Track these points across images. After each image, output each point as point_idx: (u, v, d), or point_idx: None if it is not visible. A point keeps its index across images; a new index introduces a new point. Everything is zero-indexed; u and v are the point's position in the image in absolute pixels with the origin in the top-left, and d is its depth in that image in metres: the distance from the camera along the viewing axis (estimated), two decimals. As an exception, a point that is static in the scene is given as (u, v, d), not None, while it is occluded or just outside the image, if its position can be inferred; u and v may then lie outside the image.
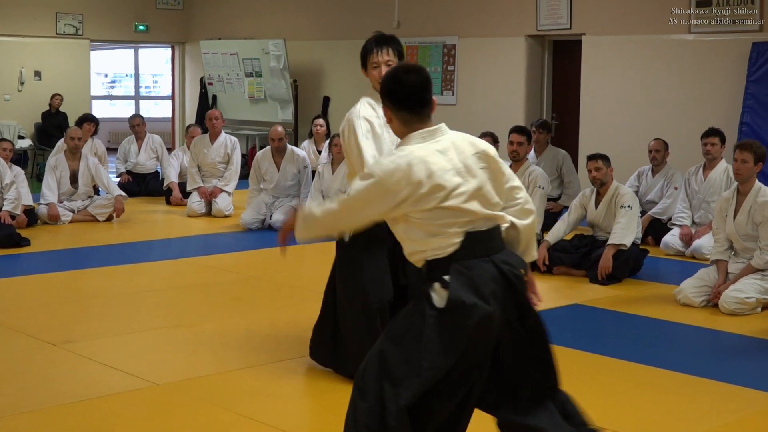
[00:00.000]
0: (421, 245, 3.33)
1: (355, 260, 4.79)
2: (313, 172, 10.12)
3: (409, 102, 3.37)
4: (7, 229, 8.86)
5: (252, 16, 16.06)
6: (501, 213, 3.42)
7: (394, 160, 3.31)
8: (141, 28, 17.00)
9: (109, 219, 10.28)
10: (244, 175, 11.57)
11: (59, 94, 15.29)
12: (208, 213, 10.78)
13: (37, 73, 15.78)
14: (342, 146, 4.85)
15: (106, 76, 20.97)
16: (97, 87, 19.96)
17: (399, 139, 3.45)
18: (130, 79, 20.94)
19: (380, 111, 4.34)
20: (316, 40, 14.93)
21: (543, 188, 8.07)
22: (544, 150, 10.25)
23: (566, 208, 9.03)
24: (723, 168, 8.62)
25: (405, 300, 4.21)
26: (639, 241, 7.75)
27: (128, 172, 12.43)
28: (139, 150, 12.48)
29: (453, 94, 12.95)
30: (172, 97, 18.21)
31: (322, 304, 5.13)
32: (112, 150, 13.96)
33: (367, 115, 4.68)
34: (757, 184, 6.73)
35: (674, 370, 5.25)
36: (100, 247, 8.99)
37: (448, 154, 3.33)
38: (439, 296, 3.24)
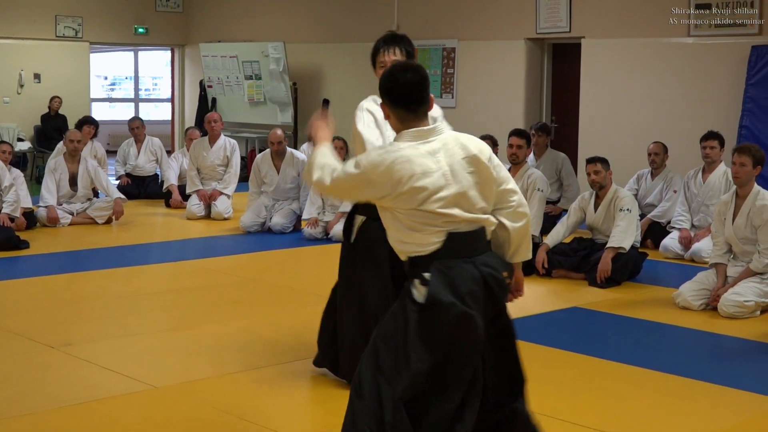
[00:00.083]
0: (403, 237, 3.42)
1: (356, 263, 4.78)
2: (313, 175, 10.11)
3: (406, 100, 3.43)
4: (6, 231, 8.86)
5: (251, 18, 16.07)
6: (485, 216, 3.46)
7: (382, 154, 3.40)
8: (140, 30, 17.00)
9: (108, 222, 10.28)
10: (243, 178, 11.57)
11: (58, 97, 15.30)
12: (208, 216, 10.78)
13: (37, 76, 15.78)
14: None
15: (105, 78, 20.98)
16: (97, 89, 19.97)
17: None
18: (129, 81, 20.95)
19: (387, 132, 4.38)
20: (316, 43, 14.94)
21: (542, 191, 8.07)
22: (544, 153, 10.25)
23: (565, 211, 9.03)
24: (722, 171, 8.63)
25: None
26: (638, 244, 7.75)
27: (127, 175, 12.43)
28: (139, 153, 12.48)
29: (452, 97, 12.95)
30: (172, 100, 18.21)
31: (327, 303, 5.10)
32: (111, 153, 13.96)
33: (370, 109, 4.73)
34: (756, 187, 6.72)
35: (673, 374, 5.25)
36: (99, 249, 8.99)
37: (437, 156, 3.39)
38: (419, 293, 3.34)
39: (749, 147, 6.86)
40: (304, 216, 9.66)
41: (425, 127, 3.44)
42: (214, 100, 16.16)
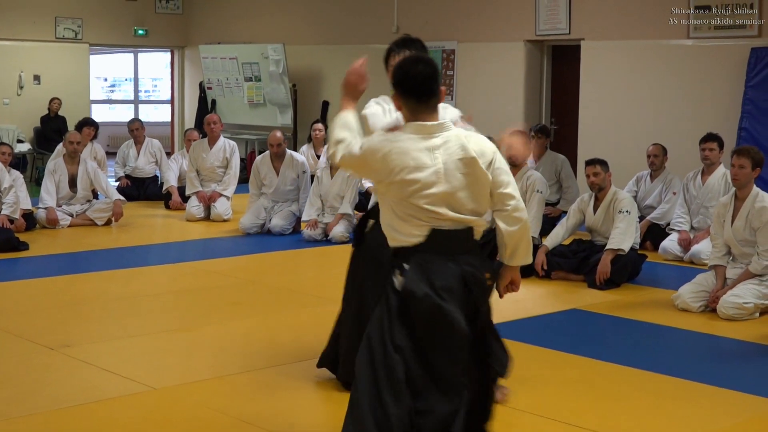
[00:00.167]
0: (393, 223, 3.53)
1: (362, 263, 4.80)
2: (312, 177, 10.13)
3: (417, 92, 3.50)
4: (6, 233, 8.86)
5: (251, 20, 16.07)
6: (473, 217, 3.52)
7: (382, 141, 3.51)
8: (140, 32, 17.01)
9: (108, 223, 10.28)
10: (243, 180, 11.57)
11: (58, 98, 15.30)
12: (207, 217, 10.78)
13: (37, 77, 15.79)
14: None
15: (105, 80, 20.98)
16: (97, 91, 19.98)
17: None
18: (129, 83, 20.96)
19: (388, 106, 4.41)
20: (316, 45, 14.94)
21: (541, 192, 8.07)
22: (543, 155, 10.26)
23: (565, 212, 9.03)
24: (721, 173, 8.63)
25: None
26: (637, 246, 7.75)
27: (127, 177, 12.43)
28: (138, 154, 12.48)
29: (452, 99, 12.95)
30: (172, 102, 18.22)
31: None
32: (111, 154, 13.96)
33: (378, 101, 4.79)
34: (755, 189, 6.73)
35: (672, 375, 5.25)
36: (99, 251, 8.99)
37: (435, 153, 3.46)
38: (398, 282, 3.46)
39: (748, 149, 6.87)
40: (304, 218, 9.67)
41: (430, 123, 3.51)
42: (213, 101, 16.16)
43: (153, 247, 9.38)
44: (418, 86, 3.51)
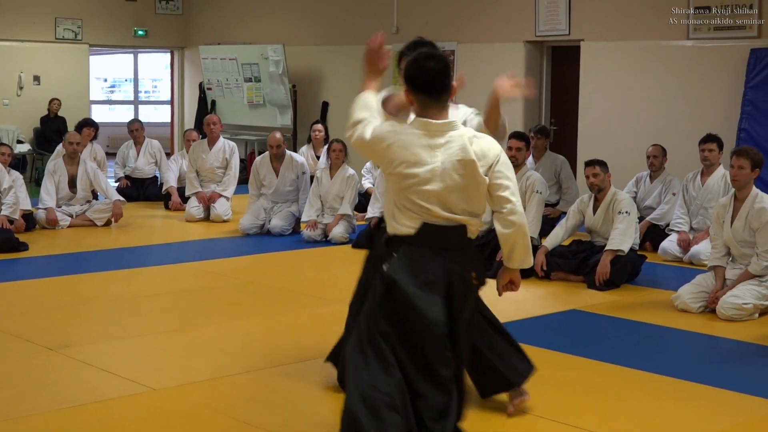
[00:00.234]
0: (391, 208, 3.65)
1: (368, 266, 4.82)
2: (312, 178, 10.13)
3: (428, 87, 3.57)
4: (6, 233, 8.86)
5: (251, 21, 16.08)
6: (466, 217, 3.58)
7: (389, 131, 3.61)
8: (140, 33, 17.01)
9: (108, 224, 10.28)
10: (242, 180, 11.57)
11: (58, 99, 15.30)
12: (207, 218, 10.78)
13: (37, 78, 15.79)
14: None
15: (105, 80, 20.98)
16: (97, 92, 19.98)
17: None
18: (129, 84, 20.96)
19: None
20: (315, 46, 14.95)
21: (540, 193, 8.08)
22: (543, 156, 10.26)
23: (564, 213, 9.04)
24: (721, 174, 8.63)
25: None
26: (637, 247, 7.75)
27: (127, 177, 12.44)
28: (138, 155, 12.49)
29: (452, 99, 12.96)
30: (171, 102, 18.22)
31: None
32: (111, 155, 13.96)
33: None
34: (754, 190, 6.73)
35: (672, 376, 5.25)
36: (98, 251, 8.99)
37: (435, 152, 3.53)
38: (385, 269, 3.59)
39: (747, 150, 6.87)
40: (303, 218, 9.67)
41: (437, 121, 3.57)
42: (213, 102, 16.17)
43: (152, 248, 9.38)
44: (430, 82, 3.55)
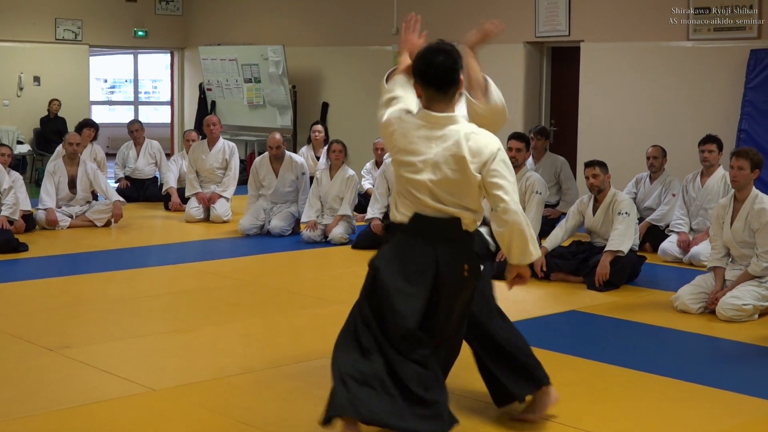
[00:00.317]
0: (394, 194, 3.78)
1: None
2: (312, 178, 10.13)
3: (436, 81, 3.66)
4: (5, 234, 8.86)
5: (251, 21, 16.08)
6: (457, 210, 3.65)
7: (396, 118, 3.72)
8: (140, 33, 17.02)
9: (108, 224, 10.28)
10: (242, 181, 11.58)
11: (57, 100, 15.31)
12: (207, 219, 10.78)
13: (36, 79, 15.79)
14: None
15: (105, 81, 20.99)
16: (97, 92, 19.98)
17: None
18: (129, 84, 20.96)
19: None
20: (315, 46, 14.95)
21: (540, 194, 8.08)
22: (543, 156, 10.26)
23: (564, 214, 9.04)
24: (720, 175, 8.63)
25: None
26: (637, 248, 7.75)
27: (127, 178, 12.44)
28: (138, 156, 12.49)
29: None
30: (171, 103, 18.22)
31: None
32: (111, 155, 13.96)
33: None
34: (754, 191, 6.73)
35: (671, 377, 5.25)
36: (98, 252, 8.99)
37: (432, 144, 3.60)
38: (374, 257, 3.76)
39: (747, 151, 6.87)
40: (303, 219, 9.67)
41: (438, 114, 3.61)
42: (213, 103, 16.17)
43: (152, 249, 9.38)
44: (439, 77, 3.63)
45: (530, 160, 9.82)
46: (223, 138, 11.31)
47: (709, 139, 8.73)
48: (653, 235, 9.01)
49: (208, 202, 10.79)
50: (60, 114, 15.31)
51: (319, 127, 12.28)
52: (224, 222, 10.65)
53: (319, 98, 14.85)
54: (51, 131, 15.01)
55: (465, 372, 4.56)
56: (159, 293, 7.46)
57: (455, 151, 3.58)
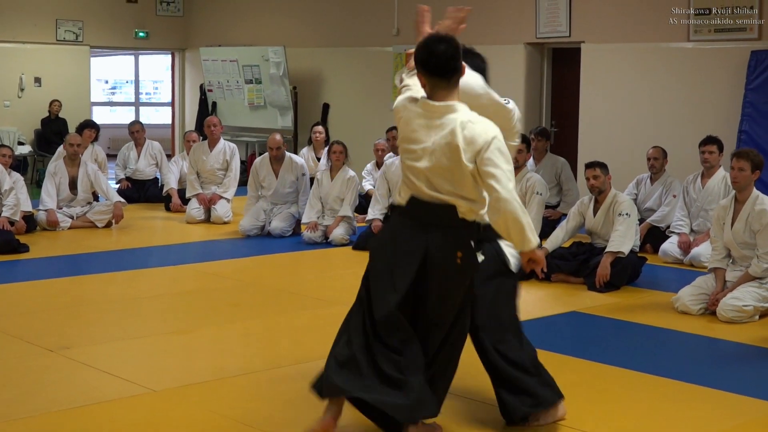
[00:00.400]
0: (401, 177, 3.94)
1: None
2: (312, 179, 10.13)
3: (438, 69, 3.72)
4: (6, 235, 8.87)
5: (252, 22, 16.08)
6: (452, 198, 3.72)
7: (403, 106, 3.84)
8: (141, 34, 17.02)
9: (108, 225, 10.28)
10: (243, 182, 11.58)
11: (58, 101, 15.31)
12: (207, 220, 10.79)
13: (37, 80, 15.80)
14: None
15: (106, 82, 20.99)
16: (98, 93, 19.98)
17: None
18: (130, 85, 20.97)
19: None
20: (316, 47, 14.95)
21: (541, 194, 8.08)
22: (543, 157, 10.26)
23: (565, 215, 9.04)
24: (721, 176, 8.63)
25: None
26: (637, 249, 7.75)
27: (127, 179, 12.45)
28: (139, 156, 12.50)
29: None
30: (172, 104, 18.22)
31: None
32: (112, 156, 13.96)
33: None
34: (755, 192, 6.73)
35: (672, 378, 5.25)
36: (99, 253, 9.00)
37: (430, 132, 3.69)
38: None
39: (748, 152, 6.87)
40: (304, 220, 9.67)
41: (437, 103, 3.72)
42: (214, 104, 16.17)
43: (153, 250, 9.38)
44: (441, 66, 3.69)
45: (531, 161, 9.82)
46: (224, 139, 11.32)
47: (710, 140, 8.72)
48: (654, 236, 9.02)
49: (208, 203, 10.79)
50: (61, 115, 15.31)
51: (320, 128, 12.28)
52: (225, 223, 10.66)
53: (320, 99, 14.86)
54: (52, 132, 15.01)
55: (465, 372, 4.57)
56: (159, 294, 7.46)
57: (450, 139, 3.68)
